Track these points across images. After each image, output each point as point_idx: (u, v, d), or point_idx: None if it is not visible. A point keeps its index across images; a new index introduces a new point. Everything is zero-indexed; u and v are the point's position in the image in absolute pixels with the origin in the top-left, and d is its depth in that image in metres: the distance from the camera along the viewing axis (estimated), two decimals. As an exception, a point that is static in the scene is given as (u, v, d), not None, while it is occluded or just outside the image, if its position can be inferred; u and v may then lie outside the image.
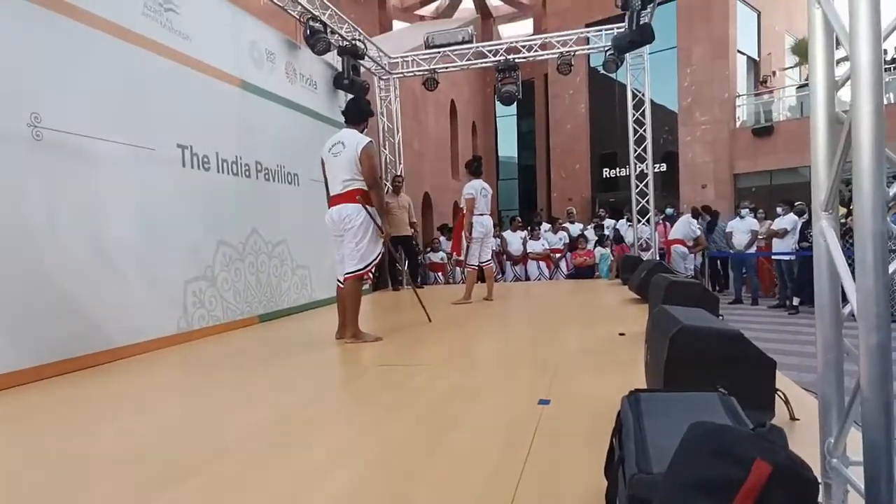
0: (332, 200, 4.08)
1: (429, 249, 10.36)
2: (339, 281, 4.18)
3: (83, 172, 3.71)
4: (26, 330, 3.28)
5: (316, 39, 6.46)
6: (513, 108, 20.90)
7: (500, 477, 1.68)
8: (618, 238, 9.95)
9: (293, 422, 2.41)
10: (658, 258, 8.25)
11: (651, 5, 6.65)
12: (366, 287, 7.15)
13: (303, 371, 3.47)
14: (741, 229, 9.37)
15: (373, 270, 4.21)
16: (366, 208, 3.98)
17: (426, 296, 5.51)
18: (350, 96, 7.57)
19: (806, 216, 8.46)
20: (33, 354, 3.30)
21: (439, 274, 10.24)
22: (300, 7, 6.41)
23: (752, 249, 9.26)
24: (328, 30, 6.72)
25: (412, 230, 8.28)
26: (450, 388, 2.84)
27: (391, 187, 8.33)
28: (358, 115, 4.23)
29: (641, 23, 6.84)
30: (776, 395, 2.02)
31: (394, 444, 2.05)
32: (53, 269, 3.47)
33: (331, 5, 6.98)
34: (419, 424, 2.26)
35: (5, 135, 3.23)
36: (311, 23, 6.49)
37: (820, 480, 1.12)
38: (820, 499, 0.90)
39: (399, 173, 8.88)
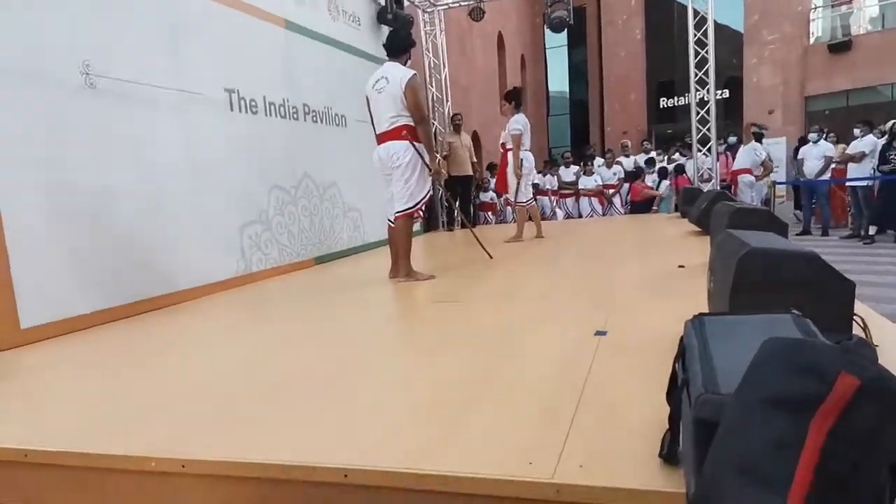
0: (379, 138, 4.01)
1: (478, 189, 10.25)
2: (389, 220, 4.18)
3: (134, 118, 3.77)
4: (94, 274, 3.44)
5: (356, -27, 6.25)
6: (563, 38, 20.02)
7: (557, 404, 1.65)
8: (679, 169, 9.51)
9: (350, 356, 2.45)
10: (720, 189, 7.85)
11: None
12: (416, 227, 7.17)
13: (358, 308, 3.53)
14: (813, 155, 8.76)
15: (422, 209, 4.17)
16: (413, 145, 3.90)
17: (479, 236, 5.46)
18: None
19: (887, 138, 7.81)
20: (101, 297, 3.47)
21: (489, 213, 10.14)
22: (338, -61, 6.19)
23: (826, 176, 8.67)
24: (368, -38, 6.48)
25: (475, 170, 8.19)
26: (505, 321, 2.82)
27: (452, 126, 8.21)
28: (399, 46, 4.08)
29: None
30: (854, 321, 1.89)
31: (449, 375, 2.06)
32: (112, 215, 3.60)
33: (370, -64, 6.71)
34: (474, 356, 2.26)
35: (61, 83, 3.30)
36: (350, -45, 6.27)
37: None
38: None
39: (458, 112, 8.71)
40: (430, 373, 2.12)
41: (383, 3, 7.15)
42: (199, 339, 3.06)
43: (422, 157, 3.93)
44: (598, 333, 2.37)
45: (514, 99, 6.01)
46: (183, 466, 1.49)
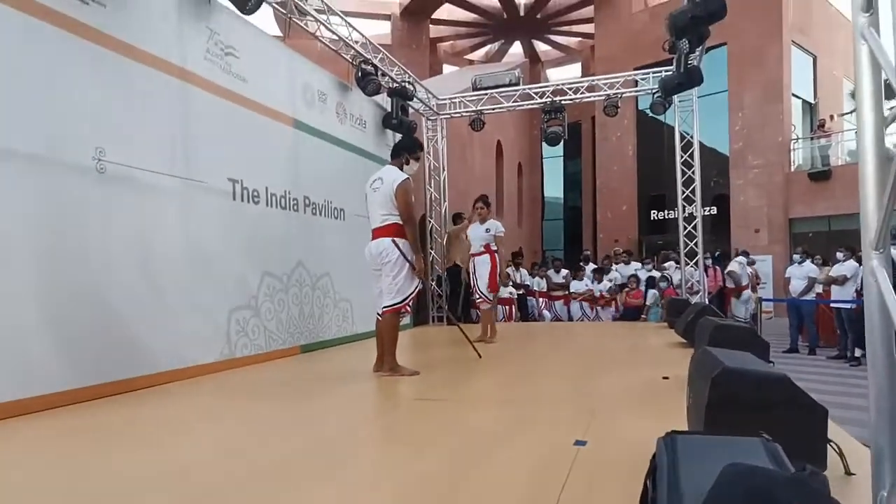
0: (373, 233, 4.19)
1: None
2: (378, 314, 4.23)
3: (139, 203, 3.90)
4: (78, 352, 3.41)
5: (367, 81, 6.69)
6: (559, 150, 21.00)
7: (528, 517, 1.62)
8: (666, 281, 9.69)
9: (324, 452, 2.41)
10: (706, 302, 7.97)
11: (699, 49, 6.62)
12: (406, 321, 7.18)
13: (338, 402, 3.48)
14: (798, 275, 9.00)
15: (410, 304, 4.23)
16: (396, 243, 4.05)
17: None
18: (398, 136, 7.79)
19: (867, 263, 8.07)
20: (82, 375, 3.41)
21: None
22: (353, 51, 6.69)
23: (811, 296, 8.85)
24: (379, 72, 6.97)
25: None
26: (484, 423, 2.78)
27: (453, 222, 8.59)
28: (396, 150, 4.38)
29: (689, 66, 6.81)
30: (829, 447, 1.90)
31: (422, 478, 2.02)
32: (106, 293, 3.63)
33: (382, 50, 7.26)
34: (450, 458, 2.22)
35: (73, 167, 3.45)
36: (363, 66, 6.75)
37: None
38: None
39: (461, 212, 9.03)
40: (403, 475, 2.08)
41: (389, 109, 7.60)
42: (171, 425, 2.99)
43: (404, 256, 4.06)
44: (578, 443, 2.35)
45: (488, 203, 6.41)
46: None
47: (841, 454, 1.94)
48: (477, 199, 6.39)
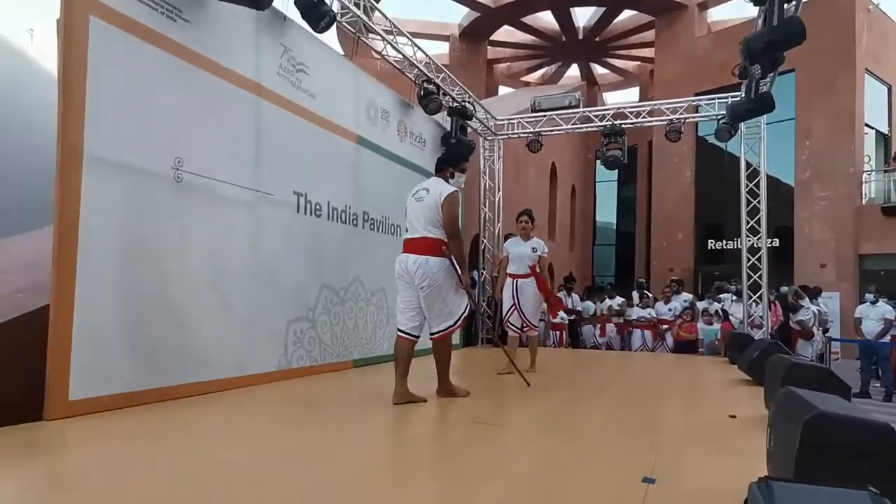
0: (406, 244, 3.86)
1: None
2: (400, 331, 3.85)
3: (211, 212, 4.04)
4: (146, 353, 3.52)
5: (429, 100, 6.77)
6: (613, 174, 20.75)
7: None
8: (723, 314, 9.29)
9: (379, 474, 2.38)
10: (773, 339, 7.59)
11: (771, 74, 6.41)
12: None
13: (391, 421, 3.45)
14: (872, 316, 8.49)
15: (461, 325, 3.98)
16: (448, 259, 3.76)
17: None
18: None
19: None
20: (145, 378, 3.51)
21: (558, 334, 9.83)
22: (416, 70, 6.79)
23: (886, 339, 8.32)
24: (440, 91, 7.04)
25: None
26: (544, 452, 2.70)
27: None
28: (439, 163, 4.10)
29: (761, 91, 6.60)
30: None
31: (487, 506, 1.96)
32: (175, 299, 3.75)
33: (445, 70, 7.34)
34: (516, 488, 2.15)
35: (154, 175, 3.60)
36: (425, 85, 6.84)
37: None
38: None
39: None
40: (463, 502, 2.02)
41: (448, 128, 7.65)
42: (228, 435, 3.03)
43: (456, 272, 3.78)
44: (646, 480, 2.24)
45: (534, 219, 5.66)
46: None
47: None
48: (521, 213, 5.65)
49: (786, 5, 4.86)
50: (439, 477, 2.40)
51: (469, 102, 7.95)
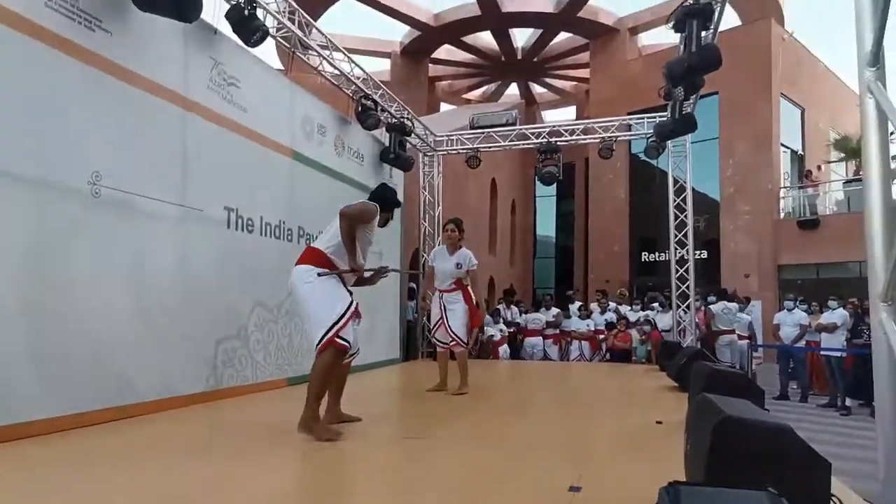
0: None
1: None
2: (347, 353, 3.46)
3: (132, 228, 3.86)
4: (63, 379, 3.32)
5: (366, 116, 6.77)
6: (552, 189, 21.21)
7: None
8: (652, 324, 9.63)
9: (309, 494, 2.32)
10: (698, 347, 7.93)
11: (694, 97, 6.77)
12: (396, 356, 7.00)
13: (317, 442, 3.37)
14: (789, 322, 9.01)
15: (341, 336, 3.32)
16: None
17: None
18: (395, 170, 7.83)
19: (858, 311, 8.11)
20: (66, 403, 3.32)
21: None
22: (354, 86, 6.78)
23: (801, 343, 8.85)
24: (378, 108, 7.05)
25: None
26: (474, 465, 2.71)
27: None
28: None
29: (684, 112, 6.96)
30: (832, 501, 1.85)
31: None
32: (94, 319, 3.55)
33: (383, 86, 7.36)
34: (442, 502, 2.15)
35: (68, 190, 3.42)
36: (363, 101, 6.83)
37: None
38: None
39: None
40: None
41: (387, 144, 7.66)
42: (144, 460, 2.89)
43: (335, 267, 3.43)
44: (573, 489, 2.29)
45: (464, 230, 5.24)
46: None
47: (843, 509, 1.89)
48: (448, 221, 5.27)
49: (703, 33, 5.17)
50: (372, 494, 2.37)
51: (408, 118, 7.99)
